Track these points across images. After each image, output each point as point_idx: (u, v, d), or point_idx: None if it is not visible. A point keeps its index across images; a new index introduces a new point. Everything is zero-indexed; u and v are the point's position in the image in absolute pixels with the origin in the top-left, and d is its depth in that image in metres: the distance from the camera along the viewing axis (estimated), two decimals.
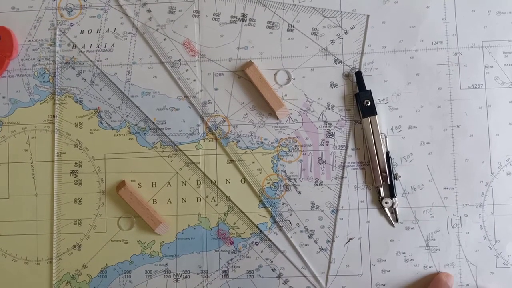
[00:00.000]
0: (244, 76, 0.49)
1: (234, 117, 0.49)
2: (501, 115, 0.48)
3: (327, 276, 0.48)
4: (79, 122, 0.50)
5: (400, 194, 0.48)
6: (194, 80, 0.50)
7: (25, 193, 0.50)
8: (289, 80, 0.49)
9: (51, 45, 0.50)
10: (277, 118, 0.49)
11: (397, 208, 0.48)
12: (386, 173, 0.47)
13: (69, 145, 0.50)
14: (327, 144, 0.49)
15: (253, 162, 0.49)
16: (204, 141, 0.49)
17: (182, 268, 0.49)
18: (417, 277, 0.48)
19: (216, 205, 0.49)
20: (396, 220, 0.48)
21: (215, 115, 0.49)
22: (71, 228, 0.49)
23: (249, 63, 0.48)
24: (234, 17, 0.49)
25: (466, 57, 0.48)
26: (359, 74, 0.48)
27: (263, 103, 0.49)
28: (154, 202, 0.49)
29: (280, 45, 0.49)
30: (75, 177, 0.49)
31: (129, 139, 0.49)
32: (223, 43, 0.49)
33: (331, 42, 0.49)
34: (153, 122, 0.49)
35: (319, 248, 0.48)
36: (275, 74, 0.49)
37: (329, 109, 0.49)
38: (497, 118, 0.48)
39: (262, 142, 0.49)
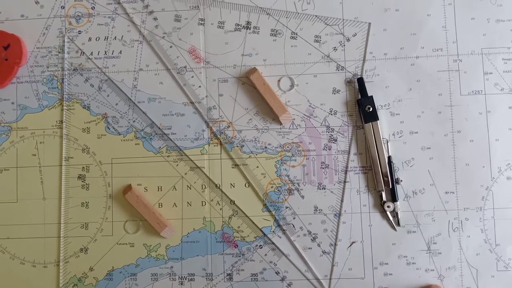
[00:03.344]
0: (248, 82, 0.50)
1: (238, 123, 0.50)
2: (501, 120, 0.49)
3: (330, 279, 0.49)
4: (87, 127, 0.51)
5: (402, 198, 0.49)
6: (200, 86, 0.51)
7: (33, 197, 0.51)
8: (292, 86, 0.50)
9: (59, 52, 0.51)
10: (281, 124, 0.50)
11: (399, 212, 0.48)
12: (388, 177, 0.48)
13: (77, 150, 0.51)
14: (329, 149, 0.50)
15: (257, 167, 0.50)
16: (209, 146, 0.50)
17: (187, 271, 0.50)
18: (419, 280, 0.48)
19: (220, 209, 0.50)
20: (398, 224, 0.49)
21: (220, 121, 0.50)
22: (78, 231, 0.50)
23: (253, 70, 0.50)
24: (238, 25, 0.51)
25: (466, 64, 0.49)
26: (361, 81, 0.49)
27: (267, 109, 0.50)
28: (160, 206, 0.50)
29: (284, 52, 0.50)
30: (82, 181, 0.50)
31: (136, 144, 0.50)
32: (228, 50, 0.51)
33: (334, 49, 0.50)
34: (159, 128, 0.50)
35: (322, 252, 0.49)
36: (279, 81, 0.50)
37: (331, 114, 0.50)
38: (496, 124, 0.49)
39: (266, 147, 0.50)
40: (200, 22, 0.51)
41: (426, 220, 0.49)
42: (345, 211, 0.49)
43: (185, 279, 0.50)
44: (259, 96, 0.50)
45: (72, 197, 0.50)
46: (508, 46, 0.49)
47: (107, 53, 0.51)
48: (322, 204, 0.49)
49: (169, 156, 0.50)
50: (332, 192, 0.49)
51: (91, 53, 0.51)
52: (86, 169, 0.50)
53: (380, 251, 0.49)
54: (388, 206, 0.48)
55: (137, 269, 0.50)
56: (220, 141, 0.50)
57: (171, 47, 0.51)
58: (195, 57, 0.51)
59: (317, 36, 0.50)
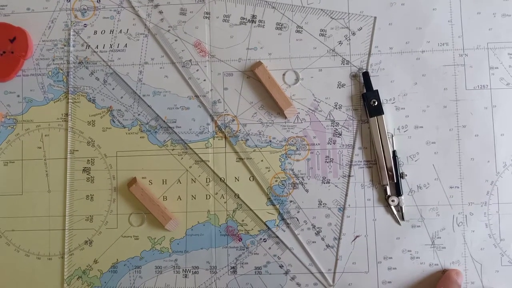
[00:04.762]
0: (253, 76, 0.50)
1: (243, 116, 0.50)
2: (506, 115, 0.49)
3: (334, 273, 0.49)
4: (92, 121, 0.51)
5: (406, 192, 0.49)
6: (204, 80, 0.51)
7: (38, 190, 0.51)
8: (297, 80, 0.50)
9: (65, 45, 0.52)
10: (285, 117, 0.50)
11: (403, 207, 0.48)
12: (392, 171, 0.48)
13: (82, 143, 0.51)
14: (334, 143, 0.50)
15: (262, 161, 0.50)
16: (214, 139, 0.50)
17: (191, 264, 0.50)
18: (423, 274, 0.48)
19: (225, 202, 0.50)
20: (402, 218, 0.49)
21: (225, 114, 0.50)
22: (83, 224, 0.50)
23: (258, 63, 0.50)
24: (244, 18, 0.51)
25: (472, 58, 0.49)
26: (366, 75, 0.49)
27: (272, 103, 0.50)
28: (165, 199, 0.50)
29: (289, 46, 0.50)
30: (87, 174, 0.51)
31: (141, 137, 0.51)
32: (233, 44, 0.51)
33: (339, 43, 0.50)
34: (164, 121, 0.50)
35: (326, 245, 0.49)
36: (284, 74, 0.50)
37: (336, 108, 0.50)
38: (502, 118, 0.49)
39: (270, 141, 0.50)
40: (206, 15, 0.51)
41: (431, 214, 0.48)
42: (349, 205, 0.49)
43: (189, 272, 0.50)
44: (264, 90, 0.50)
45: (77, 190, 0.51)
46: None
47: (112, 46, 0.51)
48: (327, 198, 0.49)
49: (173, 149, 0.50)
50: (336, 186, 0.49)
51: (97, 46, 0.51)
52: (91, 162, 0.51)
53: (384, 246, 0.49)
54: (393, 201, 0.48)
55: (142, 261, 0.50)
56: (225, 134, 0.50)
57: (176, 40, 0.51)
58: (200, 50, 0.51)
59: (322, 30, 0.50)
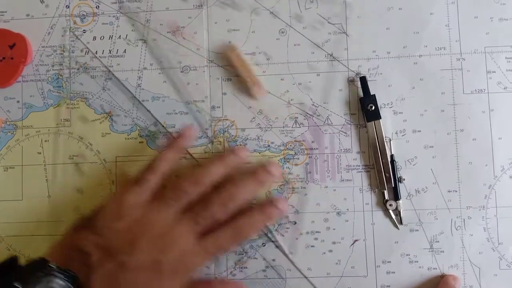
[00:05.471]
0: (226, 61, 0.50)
1: (241, 121, 0.50)
2: (504, 119, 0.49)
3: (333, 277, 0.49)
4: (91, 126, 0.51)
5: (405, 196, 0.49)
6: (203, 85, 0.51)
7: (38, 195, 0.51)
8: (295, 85, 0.50)
9: (64, 51, 0.52)
10: (254, 98, 0.50)
11: (401, 211, 0.48)
12: (390, 176, 0.48)
13: (81, 148, 0.51)
14: (332, 148, 0.50)
15: None
16: (213, 144, 0.51)
17: None
18: (421, 278, 0.48)
19: None
20: (401, 222, 0.49)
21: (223, 119, 0.51)
22: None
23: (231, 47, 0.50)
24: (242, 23, 0.51)
25: (469, 63, 0.49)
26: (363, 79, 0.49)
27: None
28: None
29: (287, 51, 0.50)
30: (87, 179, 0.51)
31: (140, 142, 0.51)
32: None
33: (337, 48, 0.50)
34: (163, 126, 0.51)
35: (325, 250, 0.49)
36: (282, 79, 0.50)
37: (334, 113, 0.50)
38: (499, 122, 0.49)
39: (269, 146, 0.50)
40: (204, 21, 0.51)
41: (429, 218, 0.49)
42: (347, 209, 0.49)
43: None
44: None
45: (77, 195, 0.51)
46: (511, 45, 0.49)
47: (111, 52, 0.51)
48: (325, 202, 0.49)
49: None
50: (334, 190, 0.49)
51: (96, 52, 0.52)
52: (91, 167, 0.51)
53: (383, 250, 0.49)
54: (391, 205, 0.48)
55: None
56: (224, 139, 0.50)
57: (175, 46, 0.51)
58: (199, 56, 0.51)
59: (320, 35, 0.50)
